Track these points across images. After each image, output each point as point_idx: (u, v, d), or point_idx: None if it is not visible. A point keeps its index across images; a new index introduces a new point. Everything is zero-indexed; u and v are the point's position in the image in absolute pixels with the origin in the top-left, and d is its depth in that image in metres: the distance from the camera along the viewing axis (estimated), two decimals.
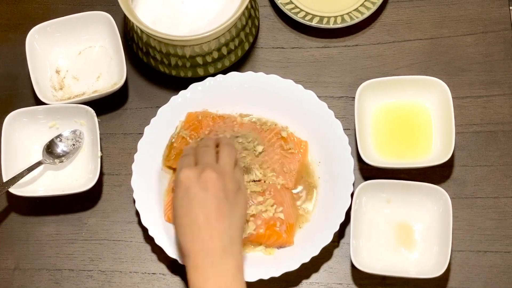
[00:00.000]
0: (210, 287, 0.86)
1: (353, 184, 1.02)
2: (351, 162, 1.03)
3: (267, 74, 1.09)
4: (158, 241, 1.00)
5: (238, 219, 0.91)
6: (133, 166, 1.04)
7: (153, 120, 1.07)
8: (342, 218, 1.00)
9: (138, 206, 1.02)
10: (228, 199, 0.90)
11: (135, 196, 1.03)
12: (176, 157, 1.05)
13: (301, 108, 1.08)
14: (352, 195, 1.01)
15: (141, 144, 1.06)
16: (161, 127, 1.07)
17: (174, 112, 1.08)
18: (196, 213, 0.88)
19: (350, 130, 1.10)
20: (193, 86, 1.09)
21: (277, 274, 0.98)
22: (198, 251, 0.87)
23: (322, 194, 1.04)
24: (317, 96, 1.12)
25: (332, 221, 1.00)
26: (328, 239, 0.99)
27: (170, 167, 1.06)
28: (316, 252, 0.99)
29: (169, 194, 1.04)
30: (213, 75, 1.11)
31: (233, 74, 1.09)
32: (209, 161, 0.93)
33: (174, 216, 0.92)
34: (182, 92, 1.08)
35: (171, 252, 1.00)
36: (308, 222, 1.03)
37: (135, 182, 1.03)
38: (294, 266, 0.98)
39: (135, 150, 1.06)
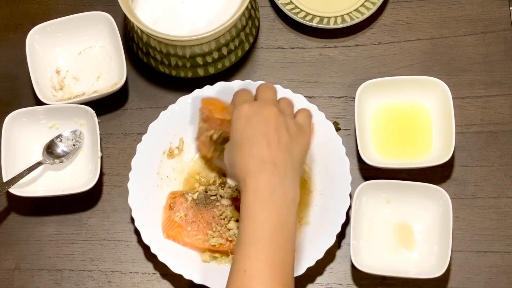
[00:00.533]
0: (264, 216, 0.83)
1: (351, 184, 1.02)
2: (347, 162, 1.03)
3: (254, 81, 1.08)
4: (161, 258, 1.00)
5: (298, 153, 0.89)
6: (129, 184, 1.03)
7: (144, 137, 1.06)
8: (343, 219, 1.00)
9: (137, 224, 1.01)
10: (289, 133, 0.88)
11: (133, 214, 1.02)
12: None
13: None
14: (350, 195, 1.01)
15: (134, 161, 1.05)
16: (153, 143, 1.06)
17: (164, 127, 1.07)
18: (259, 140, 0.86)
19: (350, 130, 1.10)
20: (182, 99, 1.08)
21: None
22: (260, 173, 0.85)
23: (321, 196, 1.04)
24: (318, 96, 1.13)
25: (333, 223, 1.00)
26: (331, 241, 0.99)
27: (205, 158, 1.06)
28: (320, 255, 0.98)
29: (166, 211, 1.04)
30: (214, 75, 1.11)
31: (220, 84, 1.09)
32: (271, 98, 0.92)
33: (233, 142, 0.90)
34: (171, 106, 1.08)
35: (176, 268, 0.99)
36: (309, 225, 1.03)
37: (132, 200, 1.03)
38: (300, 271, 0.98)
39: (135, 151, 1.05)
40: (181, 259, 1.00)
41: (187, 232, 1.02)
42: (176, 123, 1.08)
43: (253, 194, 0.84)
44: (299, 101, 1.07)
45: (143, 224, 1.01)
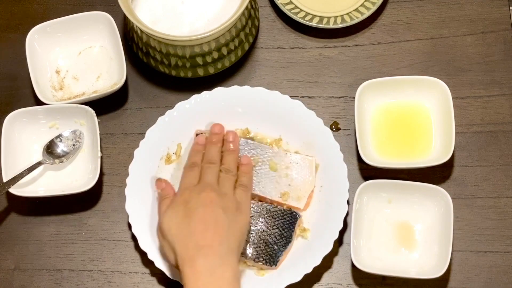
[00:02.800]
0: None
1: (349, 190, 1.01)
2: (345, 169, 1.02)
3: (253, 81, 1.08)
4: (158, 265, 1.00)
5: (237, 233, 0.93)
6: (126, 190, 1.03)
7: (141, 143, 1.06)
8: (341, 226, 0.99)
9: (134, 230, 1.01)
10: (226, 215, 0.93)
11: (131, 220, 1.02)
12: None
13: (291, 119, 1.07)
14: (348, 201, 1.01)
15: (132, 167, 1.04)
16: (150, 149, 1.06)
17: (162, 132, 1.07)
18: (195, 223, 0.92)
19: (350, 130, 1.10)
20: (180, 105, 1.08)
21: (280, 287, 0.98)
22: (197, 258, 0.89)
23: (319, 203, 1.03)
24: (317, 96, 1.13)
25: (331, 230, 0.99)
26: (328, 248, 0.99)
27: None
28: (317, 262, 0.98)
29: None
30: (213, 75, 1.11)
31: (218, 90, 1.08)
32: (211, 182, 0.97)
33: (167, 228, 0.93)
34: (168, 112, 1.07)
35: (173, 274, 0.99)
36: (308, 231, 1.02)
37: (129, 206, 1.02)
38: (296, 278, 0.98)
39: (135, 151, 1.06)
40: None
41: None
42: (174, 129, 1.07)
43: (194, 279, 0.88)
44: (298, 108, 1.07)
45: (141, 230, 1.01)
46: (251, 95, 1.08)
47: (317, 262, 0.98)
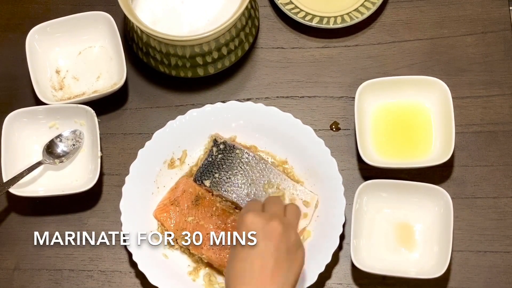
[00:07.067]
0: None
1: (343, 226, 1.00)
2: (343, 203, 1.01)
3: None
4: (141, 267, 0.99)
5: (293, 277, 0.88)
6: (123, 188, 1.03)
7: (147, 143, 1.05)
8: (329, 260, 0.98)
9: (124, 229, 1.01)
10: (288, 254, 0.87)
11: (122, 219, 1.01)
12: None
13: (299, 143, 1.06)
14: (341, 236, 1.00)
15: (133, 166, 1.04)
16: (155, 151, 1.06)
17: (169, 136, 1.06)
18: (253, 261, 0.86)
19: (350, 130, 1.10)
20: (190, 112, 1.07)
21: None
22: None
23: (312, 232, 1.03)
24: (318, 96, 1.13)
25: (318, 263, 0.99)
26: (312, 280, 0.98)
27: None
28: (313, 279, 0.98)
29: (171, 191, 1.04)
30: (213, 75, 1.11)
31: (232, 103, 1.08)
32: (277, 212, 0.91)
33: (229, 257, 0.90)
34: (179, 117, 1.07)
35: (154, 279, 0.99)
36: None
37: (124, 204, 1.02)
38: None
39: (135, 150, 1.05)
40: (164, 271, 1.00)
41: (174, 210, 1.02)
42: (181, 135, 1.07)
43: None
44: (309, 134, 1.06)
45: (130, 230, 1.01)
46: (264, 113, 1.07)
47: (313, 279, 0.98)
